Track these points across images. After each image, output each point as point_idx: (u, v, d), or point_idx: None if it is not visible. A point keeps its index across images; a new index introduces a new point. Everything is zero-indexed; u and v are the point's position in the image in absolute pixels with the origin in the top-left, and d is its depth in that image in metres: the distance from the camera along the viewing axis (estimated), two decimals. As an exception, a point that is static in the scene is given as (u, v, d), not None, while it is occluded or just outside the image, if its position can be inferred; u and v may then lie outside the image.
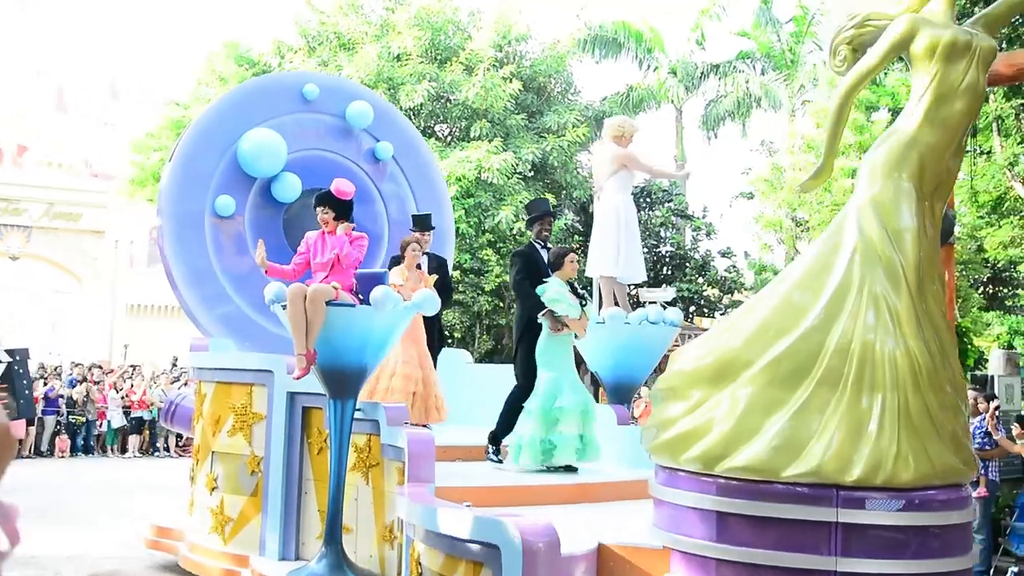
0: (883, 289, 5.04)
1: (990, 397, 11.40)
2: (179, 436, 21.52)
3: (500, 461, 7.68)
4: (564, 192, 24.70)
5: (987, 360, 23.85)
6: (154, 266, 40.29)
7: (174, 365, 26.90)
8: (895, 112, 24.98)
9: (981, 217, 25.15)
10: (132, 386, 21.72)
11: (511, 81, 22.22)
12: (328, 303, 6.62)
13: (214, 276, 9.17)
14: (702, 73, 28.11)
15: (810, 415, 4.97)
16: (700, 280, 26.83)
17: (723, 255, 27.24)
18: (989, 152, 22.04)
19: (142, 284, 36.26)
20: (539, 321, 7.53)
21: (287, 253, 9.39)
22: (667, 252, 27.17)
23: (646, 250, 26.79)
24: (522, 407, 7.71)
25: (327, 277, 6.86)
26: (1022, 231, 25.00)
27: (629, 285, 9.07)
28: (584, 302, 7.66)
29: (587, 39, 27.54)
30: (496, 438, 7.74)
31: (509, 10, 24.45)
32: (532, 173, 23.26)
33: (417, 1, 23.77)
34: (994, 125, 20.11)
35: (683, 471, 5.29)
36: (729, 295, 26.69)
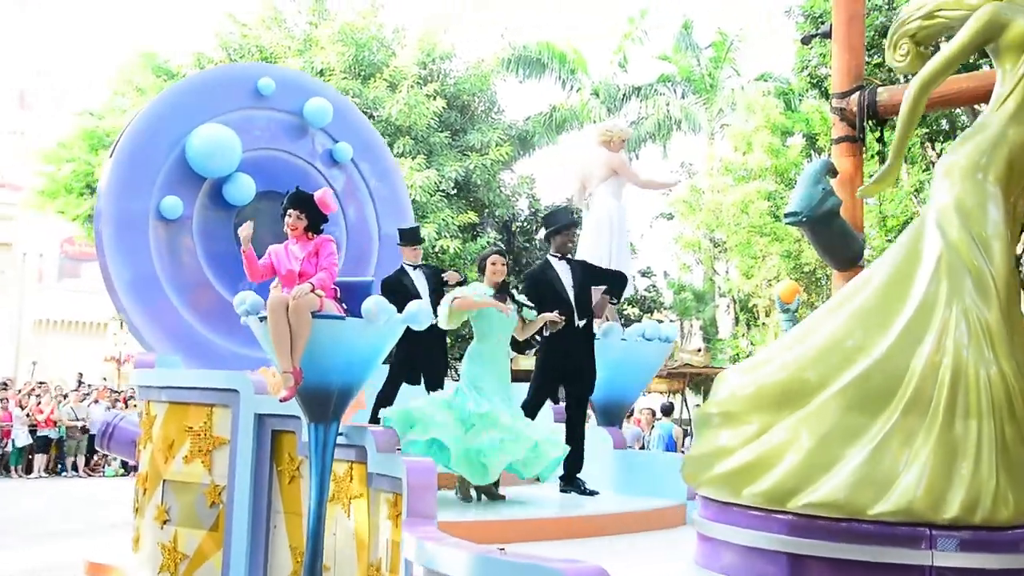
0: (972, 302, 4.36)
1: None
2: (88, 455, 20.03)
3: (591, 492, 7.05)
4: (487, 210, 24.10)
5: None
6: (65, 280, 38.24)
7: (80, 383, 25.27)
8: (809, 137, 25.03)
9: (890, 240, 25.25)
10: (39, 404, 20.07)
11: (435, 99, 21.60)
12: (313, 315, 5.69)
13: (158, 285, 8.10)
14: (624, 95, 27.76)
15: (897, 445, 4.26)
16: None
17: (643, 275, 26.87)
18: (897, 179, 22.08)
19: (51, 299, 34.23)
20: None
21: (237, 260, 8.39)
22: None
23: (567, 269, 26.18)
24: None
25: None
26: (928, 255, 25.23)
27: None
28: (522, 307, 6.87)
29: (511, 59, 26.99)
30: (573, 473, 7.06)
31: (434, 28, 23.84)
32: (455, 191, 22.61)
33: (341, 16, 22.97)
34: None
35: (745, 507, 4.52)
36: (648, 314, 26.25)
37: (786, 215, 8.74)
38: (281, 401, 5.76)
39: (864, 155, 11.21)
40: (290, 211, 6.02)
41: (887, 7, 18.05)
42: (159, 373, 7.20)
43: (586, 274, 7.26)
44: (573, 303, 7.14)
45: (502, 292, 6.79)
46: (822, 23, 17.11)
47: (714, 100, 27.08)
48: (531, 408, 7.02)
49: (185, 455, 6.86)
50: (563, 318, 6.79)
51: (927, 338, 4.33)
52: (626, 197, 8.34)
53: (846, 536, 4.23)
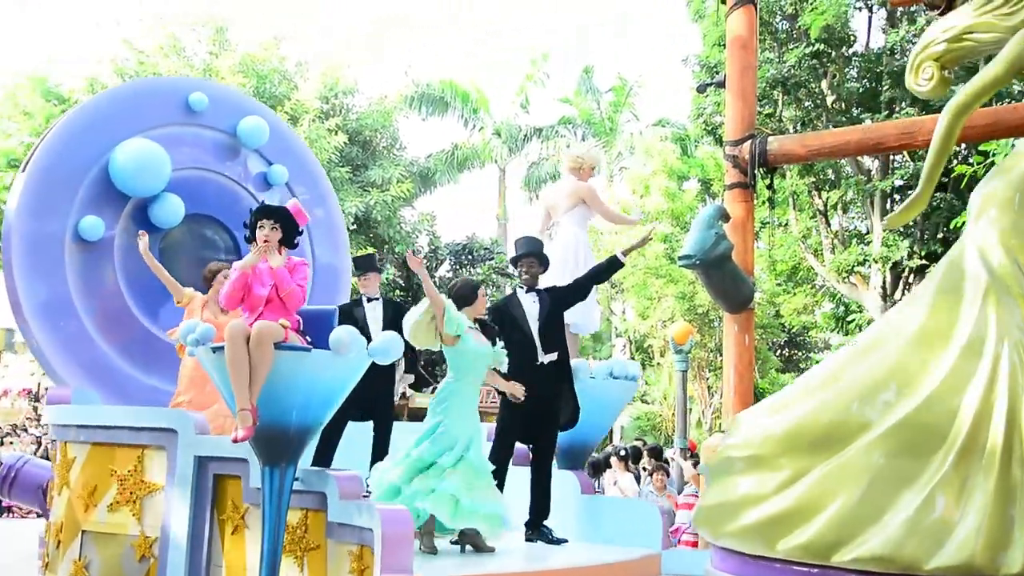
0: (1021, 338, 3.98)
1: None
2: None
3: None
4: (387, 246, 23.50)
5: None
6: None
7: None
8: (704, 182, 25.22)
9: (779, 284, 25.63)
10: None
11: (336, 133, 21.08)
12: (276, 346, 4.97)
13: (74, 312, 7.17)
14: (525, 135, 27.57)
15: (952, 493, 3.83)
16: (519, 336, 25.86)
17: (541, 314, 26.41)
18: (786, 225, 22.40)
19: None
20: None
21: (161, 287, 7.56)
22: (486, 309, 26.13)
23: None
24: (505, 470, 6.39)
25: (261, 315, 5.19)
26: (814, 299, 25.63)
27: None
28: (495, 341, 6.34)
29: (414, 96, 26.55)
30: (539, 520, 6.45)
31: (337, 63, 23.22)
32: (355, 226, 21.94)
33: (242, 47, 22.15)
34: (790, 200, 20.38)
35: (782, 561, 4.01)
36: (546, 354, 25.80)
37: (680, 258, 8.51)
38: (235, 441, 4.98)
39: (755, 201, 11.18)
40: (263, 221, 5.25)
41: (778, 60, 18.34)
42: (80, 410, 6.29)
43: (555, 303, 6.69)
44: (536, 337, 6.59)
45: (484, 328, 6.21)
46: (717, 73, 17.24)
47: (613, 143, 27.14)
48: (500, 456, 6.39)
49: (110, 503, 5.97)
50: (521, 398, 6.25)
51: (978, 376, 3.94)
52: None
53: (899, 593, 3.78)
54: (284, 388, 4.99)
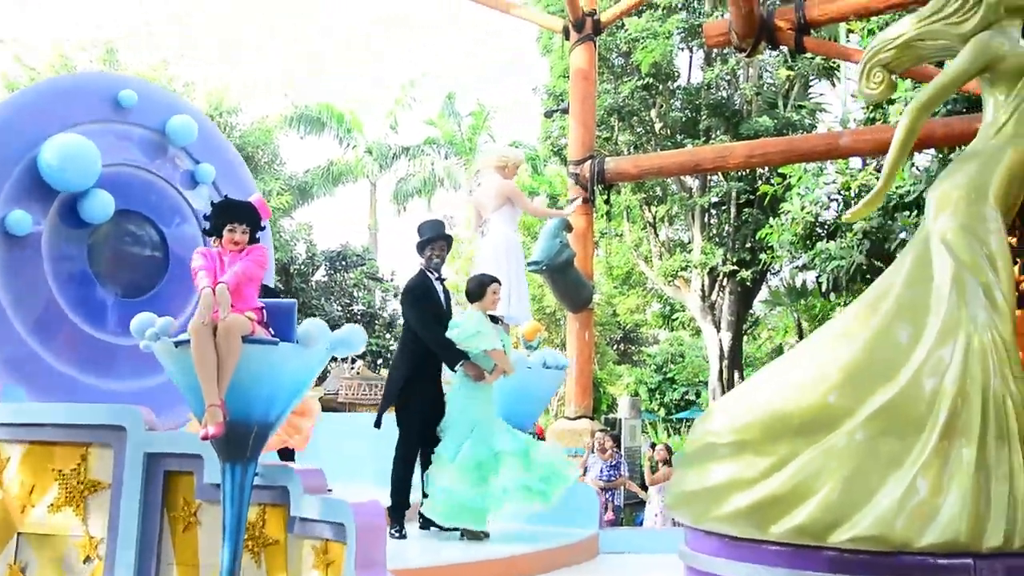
0: (988, 318, 3.72)
1: (616, 437, 11.24)
2: None
3: (403, 537, 5.47)
4: (267, 256, 22.31)
5: (617, 405, 24.37)
6: None
7: None
8: (552, 197, 25.14)
9: (615, 287, 25.84)
10: None
11: (220, 150, 19.65)
12: (243, 339, 4.22)
13: (0, 308, 6.10)
14: (394, 154, 26.85)
15: (935, 471, 3.51)
16: (388, 336, 25.30)
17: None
18: (621, 235, 22.64)
19: None
20: (457, 371, 5.52)
21: (90, 282, 6.57)
22: (359, 311, 25.32)
23: (339, 309, 24.74)
24: (412, 470, 5.59)
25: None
26: (644, 300, 26.00)
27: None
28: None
29: (294, 116, 25.47)
30: (396, 512, 5.54)
31: (222, 85, 22.01)
32: (237, 236, 20.70)
33: (132, 67, 20.60)
34: (624, 213, 20.63)
35: (775, 543, 3.60)
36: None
37: (529, 264, 8.29)
38: (204, 439, 4.19)
39: (595, 214, 11.13)
40: (233, 223, 4.46)
41: (614, 91, 18.45)
42: (18, 409, 5.26)
43: (450, 305, 5.94)
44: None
45: (496, 322, 5.63)
46: (562, 101, 17.28)
47: (472, 162, 26.68)
48: (406, 460, 5.62)
49: (51, 503, 4.98)
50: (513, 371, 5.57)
51: (953, 360, 3.65)
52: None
53: (890, 570, 3.45)
54: (250, 382, 4.23)
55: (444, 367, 5.75)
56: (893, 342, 3.75)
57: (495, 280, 5.77)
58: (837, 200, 11.07)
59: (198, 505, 4.76)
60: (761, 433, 3.75)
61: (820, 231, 11.35)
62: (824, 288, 11.94)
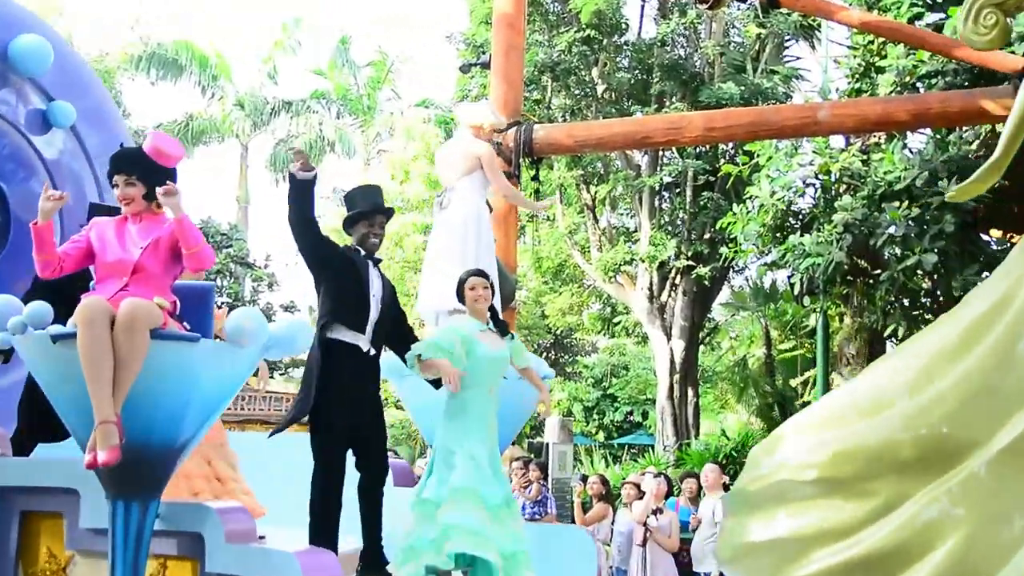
0: None
1: (543, 466, 11.26)
2: None
3: None
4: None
5: (544, 427, 24.54)
6: None
7: None
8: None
9: (545, 283, 26.01)
10: None
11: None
12: (153, 334, 3.95)
13: None
14: (273, 109, 26.55)
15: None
16: (260, 336, 24.93)
17: (286, 309, 25.48)
18: (552, 219, 22.69)
19: None
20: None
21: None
22: (223, 303, 24.90)
23: (198, 300, 24.34)
24: (339, 504, 5.37)
25: (123, 289, 4.10)
26: (580, 299, 26.24)
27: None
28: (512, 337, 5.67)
29: (143, 56, 24.84)
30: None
31: (47, 9, 21.31)
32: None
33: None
34: (557, 193, 20.66)
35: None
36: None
37: None
38: (90, 467, 3.84)
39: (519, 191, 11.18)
40: (116, 177, 4.24)
41: (548, 43, 18.51)
42: None
43: (392, 297, 5.50)
44: (375, 319, 5.28)
45: (498, 326, 5.52)
46: (483, 53, 17.15)
47: (371, 123, 26.64)
48: (328, 487, 5.15)
49: None
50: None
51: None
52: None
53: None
54: (157, 392, 4.00)
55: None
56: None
57: (475, 273, 5.56)
58: (814, 185, 11.25)
59: (69, 558, 4.61)
60: (859, 470, 3.68)
61: (793, 222, 11.51)
62: (797, 290, 12.15)
